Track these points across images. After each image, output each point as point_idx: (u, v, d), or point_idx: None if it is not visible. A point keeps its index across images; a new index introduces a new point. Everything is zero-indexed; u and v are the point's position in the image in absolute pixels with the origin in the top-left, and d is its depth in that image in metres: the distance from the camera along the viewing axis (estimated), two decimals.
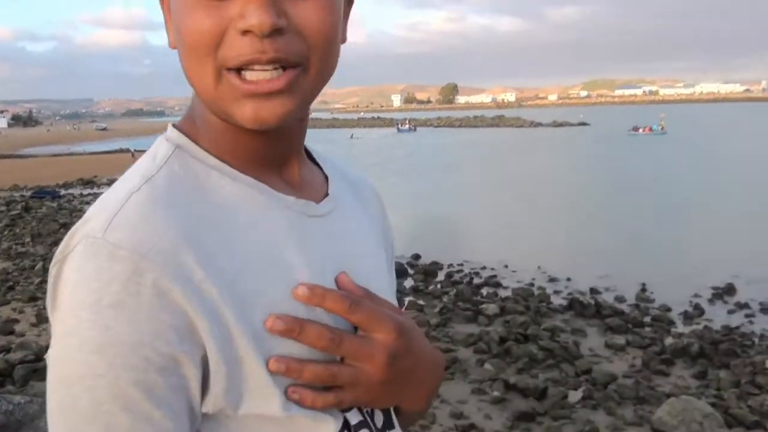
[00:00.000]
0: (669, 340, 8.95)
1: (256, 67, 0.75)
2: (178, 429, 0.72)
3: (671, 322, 10.27)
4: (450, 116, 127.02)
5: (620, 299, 11.44)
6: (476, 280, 12.72)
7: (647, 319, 10.39)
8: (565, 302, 11.11)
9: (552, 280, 12.66)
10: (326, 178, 0.99)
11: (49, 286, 0.76)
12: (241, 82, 0.76)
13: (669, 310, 10.87)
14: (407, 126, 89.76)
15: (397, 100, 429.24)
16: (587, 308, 10.54)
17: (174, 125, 0.89)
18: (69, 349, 0.71)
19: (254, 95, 0.77)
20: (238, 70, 0.76)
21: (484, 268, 13.56)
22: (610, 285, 12.22)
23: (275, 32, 0.74)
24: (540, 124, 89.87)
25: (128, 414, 0.70)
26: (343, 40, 0.87)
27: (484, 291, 11.97)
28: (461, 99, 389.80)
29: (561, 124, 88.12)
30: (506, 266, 13.56)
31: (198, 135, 0.86)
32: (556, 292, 11.82)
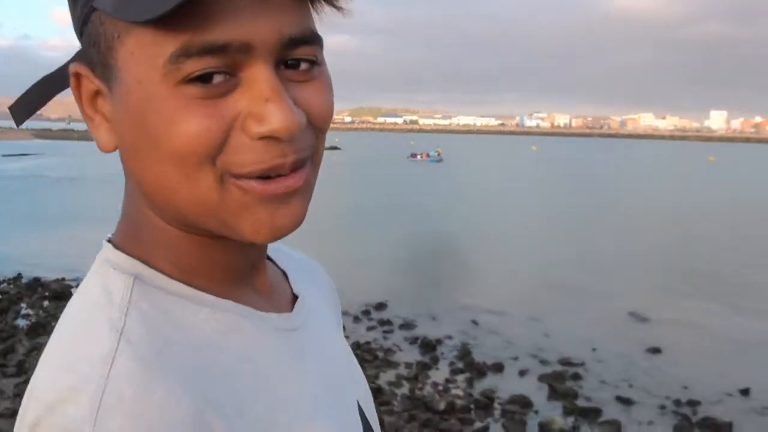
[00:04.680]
0: None
1: (273, 175, 0.63)
2: None
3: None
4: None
5: None
6: None
7: None
8: None
9: None
10: (284, 273, 0.86)
11: None
12: (258, 184, 0.62)
13: None
14: None
15: None
16: None
17: (112, 242, 0.71)
18: None
19: (272, 198, 0.63)
20: (236, 175, 0.62)
21: None
22: None
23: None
24: None
25: None
26: None
27: None
28: None
29: None
30: None
31: (151, 254, 0.69)
32: None
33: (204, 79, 0.59)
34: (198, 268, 0.70)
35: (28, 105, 0.77)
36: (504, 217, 24.87)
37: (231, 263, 0.72)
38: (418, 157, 64.97)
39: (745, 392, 9.23)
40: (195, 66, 0.58)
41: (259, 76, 0.60)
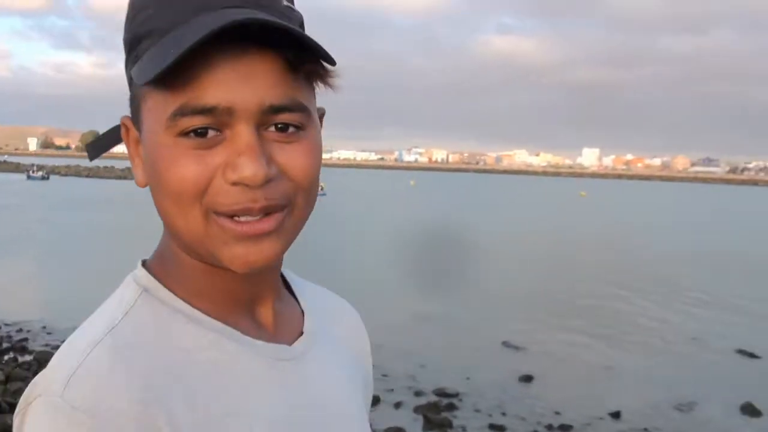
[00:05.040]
0: None
1: (247, 215, 0.75)
2: None
3: None
4: (79, 164, 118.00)
5: None
6: (5, 344, 11.65)
7: None
8: None
9: None
10: (302, 312, 0.95)
11: (17, 422, 0.73)
12: (233, 224, 0.75)
13: None
14: (39, 173, 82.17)
15: (33, 144, 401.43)
16: None
17: (144, 263, 0.86)
18: None
19: (245, 238, 0.76)
20: (218, 211, 0.75)
21: (20, 330, 12.58)
22: None
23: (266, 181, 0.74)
24: None
25: None
26: None
27: (6, 356, 11.00)
28: None
29: None
30: (44, 327, 12.75)
31: (168, 276, 0.83)
32: None
33: (200, 133, 0.73)
34: (202, 292, 0.83)
35: (102, 145, 0.95)
36: (380, 248, 25.12)
37: (231, 291, 0.84)
38: None
39: (615, 415, 9.61)
40: (188, 123, 0.73)
41: (239, 134, 0.74)
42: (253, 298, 0.87)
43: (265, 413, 0.80)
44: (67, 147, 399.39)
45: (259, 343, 0.84)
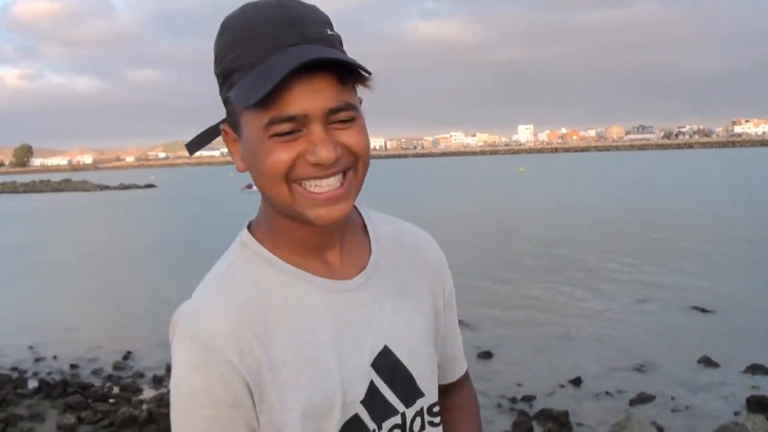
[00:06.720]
0: (123, 410, 8.78)
1: (324, 180, 1.07)
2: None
3: (139, 389, 10.00)
4: (15, 181, 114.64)
5: (98, 372, 10.93)
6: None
7: (117, 389, 10.01)
8: (37, 384, 10.18)
9: (38, 359, 11.73)
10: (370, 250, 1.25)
11: (170, 334, 1.11)
12: (309, 194, 1.08)
13: (142, 375, 10.63)
14: None
15: None
16: (54, 388, 9.81)
17: (249, 225, 1.20)
18: (173, 393, 1.10)
19: (325, 202, 1.08)
20: (299, 180, 1.07)
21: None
22: (95, 356, 11.69)
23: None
24: (107, 187, 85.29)
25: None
26: None
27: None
28: (36, 161, 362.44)
29: (128, 187, 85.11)
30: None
31: (262, 233, 1.18)
32: (36, 374, 10.88)
33: (286, 134, 1.05)
34: (285, 244, 1.16)
35: (199, 142, 1.29)
36: None
37: (306, 241, 1.16)
38: (254, 188, 63.79)
39: (576, 382, 9.75)
40: (278, 128, 1.05)
41: (313, 131, 1.06)
42: (323, 245, 1.19)
43: (320, 331, 1.13)
44: (1, 164, 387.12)
45: (322, 280, 1.17)
